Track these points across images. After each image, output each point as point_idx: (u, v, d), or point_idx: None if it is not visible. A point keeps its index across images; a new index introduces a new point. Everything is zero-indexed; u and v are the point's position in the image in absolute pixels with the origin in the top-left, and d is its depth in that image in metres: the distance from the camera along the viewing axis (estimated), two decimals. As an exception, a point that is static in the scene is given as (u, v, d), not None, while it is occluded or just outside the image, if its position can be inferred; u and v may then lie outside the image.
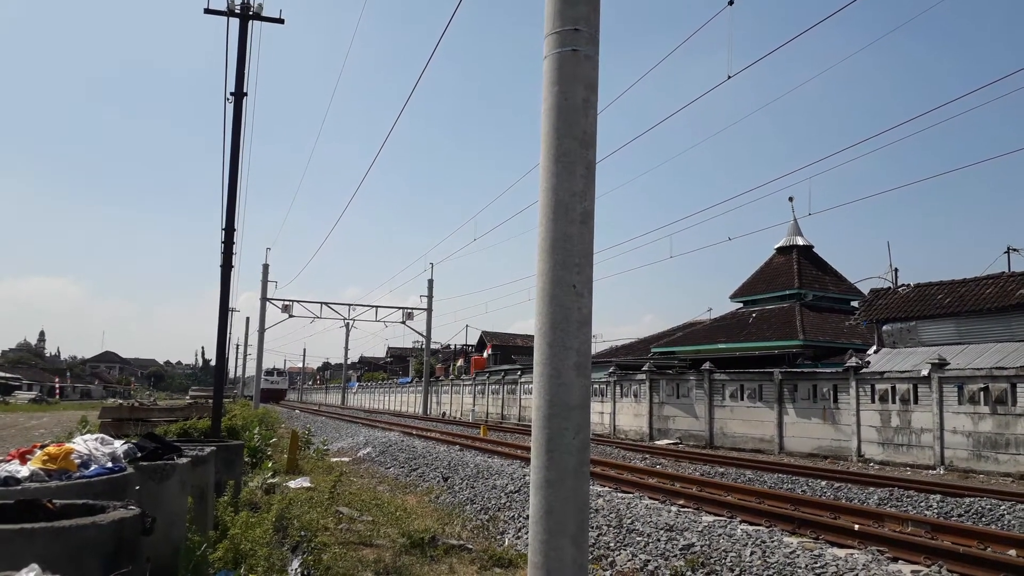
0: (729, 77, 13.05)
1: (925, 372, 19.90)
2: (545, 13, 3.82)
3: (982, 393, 18.60)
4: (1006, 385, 18.12)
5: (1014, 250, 29.76)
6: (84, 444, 4.15)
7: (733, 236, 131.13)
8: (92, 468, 3.92)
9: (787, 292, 34.36)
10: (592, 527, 8.39)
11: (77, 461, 3.90)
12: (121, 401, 39.00)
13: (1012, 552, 7.80)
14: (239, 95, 13.56)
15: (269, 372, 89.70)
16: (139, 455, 5.00)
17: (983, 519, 10.50)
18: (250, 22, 13.87)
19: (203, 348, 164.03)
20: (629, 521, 8.80)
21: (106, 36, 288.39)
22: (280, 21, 14.55)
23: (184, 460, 5.33)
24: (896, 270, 32.44)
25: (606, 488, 12.14)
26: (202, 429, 13.39)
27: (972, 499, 11.77)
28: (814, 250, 37.53)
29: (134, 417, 15.03)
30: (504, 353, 61.09)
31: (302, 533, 7.10)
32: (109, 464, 4.06)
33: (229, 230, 13.32)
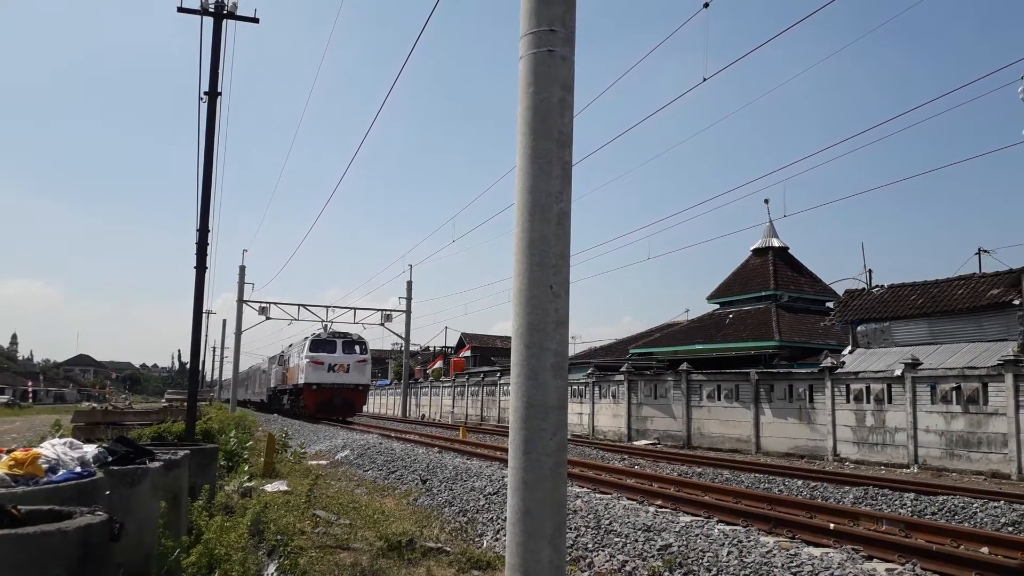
0: (705, 79, 13.13)
1: (899, 372, 20.14)
2: (521, 13, 3.81)
3: (954, 392, 18.86)
4: (977, 384, 18.38)
5: (985, 251, 30.32)
6: (52, 449, 4.06)
7: (710, 238, 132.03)
8: (60, 473, 3.84)
9: (763, 293, 34.65)
10: (570, 528, 8.38)
11: (45, 466, 3.82)
12: (95, 405, 38.43)
13: (984, 549, 7.90)
14: (213, 95, 13.43)
15: (324, 341, 37.80)
16: (110, 459, 4.91)
17: (956, 517, 10.64)
18: (224, 21, 13.75)
19: (179, 351, 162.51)
20: (607, 522, 8.80)
21: (76, 37, 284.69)
22: (255, 20, 14.44)
23: (156, 464, 5.25)
24: (870, 271, 32.90)
25: (584, 489, 12.15)
26: (177, 433, 13.22)
27: (945, 497, 11.92)
28: (790, 251, 37.89)
29: (108, 421, 14.82)
30: (483, 355, 61.03)
31: (278, 537, 7.03)
32: (78, 469, 3.98)
33: (203, 231, 13.19)
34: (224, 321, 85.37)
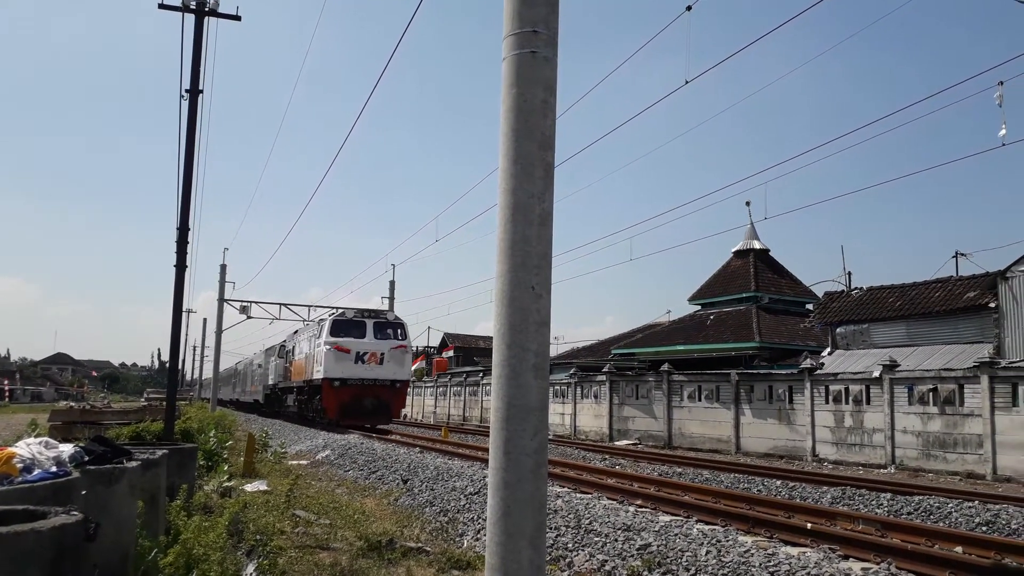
0: (687, 82, 13.17)
1: (877, 373, 20.36)
2: (504, 15, 3.82)
3: (931, 394, 19.09)
4: (954, 386, 18.62)
5: (962, 254, 30.74)
6: (27, 448, 4.02)
7: (693, 239, 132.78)
8: (35, 473, 3.80)
9: (744, 295, 34.89)
10: (550, 528, 8.40)
11: (19, 465, 3.78)
12: (72, 404, 38.00)
13: (959, 549, 8.00)
14: (194, 92, 13.34)
15: (350, 322, 28.34)
16: (87, 459, 4.87)
17: (931, 517, 10.77)
18: (206, 18, 13.65)
19: (159, 350, 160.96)
20: (587, 522, 8.83)
21: (57, 33, 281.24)
22: (237, 18, 14.35)
23: (134, 464, 5.21)
24: (850, 273, 33.23)
25: (565, 489, 12.17)
26: (155, 432, 13.11)
27: (921, 497, 12.06)
28: (770, 254, 38.19)
29: (85, 420, 14.67)
30: (466, 355, 60.97)
31: (257, 537, 6.98)
32: (53, 468, 3.94)
33: (183, 229, 13.10)
34: (205, 320, 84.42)
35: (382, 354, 27.87)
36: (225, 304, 47.80)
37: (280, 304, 48.92)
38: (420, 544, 7.82)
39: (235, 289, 49.97)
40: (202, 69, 13.46)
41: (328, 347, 27.41)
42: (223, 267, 47.79)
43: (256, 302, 48.49)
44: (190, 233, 13.34)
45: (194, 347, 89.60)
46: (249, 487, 11.24)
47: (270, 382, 41.99)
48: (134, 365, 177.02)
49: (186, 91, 13.37)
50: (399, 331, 28.97)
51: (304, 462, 17.70)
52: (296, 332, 36.57)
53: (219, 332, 48.59)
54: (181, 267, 13.07)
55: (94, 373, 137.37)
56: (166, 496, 6.56)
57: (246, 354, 62.41)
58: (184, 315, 14.71)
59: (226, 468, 13.01)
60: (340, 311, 29.62)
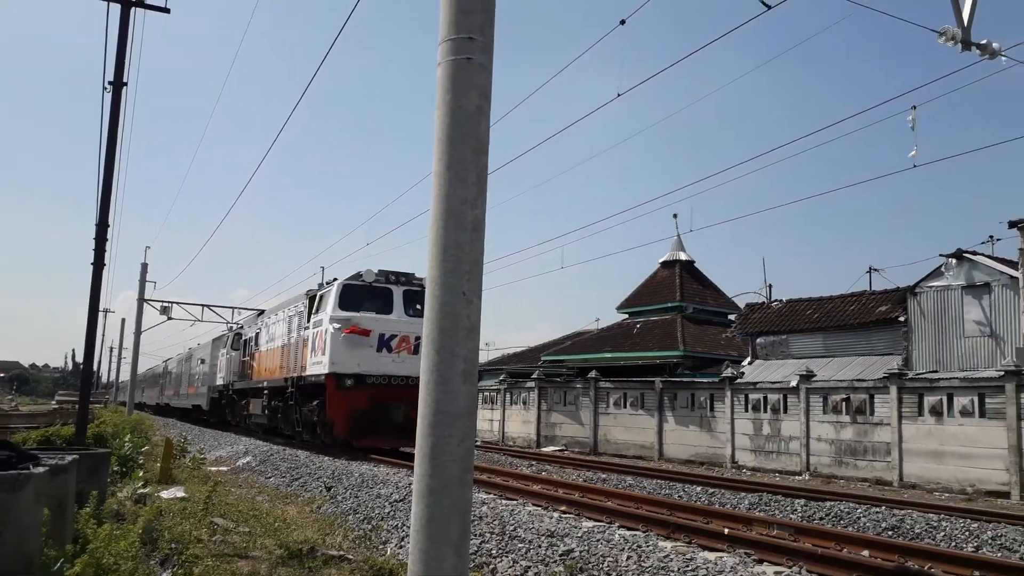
0: (619, 95, 13.41)
1: (794, 383, 21.09)
2: (440, 20, 3.83)
3: (844, 403, 19.90)
4: (865, 396, 19.45)
5: (875, 270, 32.09)
6: (-76, 452, 3.80)
7: (622, 249, 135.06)
8: (-67, 478, 3.60)
9: (670, 305, 35.64)
10: (475, 535, 8.40)
11: (-85, 471, 3.57)
12: (-27, 406, 36.02)
13: (866, 552, 8.36)
14: (118, 85, 12.88)
15: (368, 289, 18.35)
16: (-11, 464, 4.63)
17: (842, 522, 11.20)
18: (132, 9, 13.20)
19: (74, 351, 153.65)
20: (512, 528, 8.86)
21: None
22: (166, 11, 13.91)
23: (41, 469, 4.97)
24: (770, 286, 34.24)
25: (491, 495, 12.18)
26: (66, 437, 12.60)
27: (832, 503, 12.53)
28: (695, 265, 39.13)
29: (-12, 423, 13.93)
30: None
31: (172, 545, 6.76)
32: (-47, 474, 3.73)
33: (102, 226, 12.63)
34: (123, 320, 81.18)
35: (418, 339, 15.49)
36: (145, 304, 46.18)
37: (203, 305, 47.58)
38: (342, 552, 7.71)
39: (156, 289, 48.26)
40: (127, 60, 13.01)
41: (336, 327, 18.04)
42: (144, 266, 46.16)
43: (178, 303, 47.04)
44: (110, 230, 12.88)
45: (111, 348, 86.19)
46: (165, 494, 10.88)
47: (219, 382, 32.25)
48: (45, 366, 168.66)
49: (109, 83, 12.91)
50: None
51: (224, 468, 17.22)
52: (262, 314, 27.90)
53: (138, 333, 46.86)
54: (99, 265, 12.60)
55: (1, 374, 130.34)
56: (75, 504, 6.29)
57: (163, 356, 59.77)
58: (101, 315, 14.14)
59: (141, 474, 12.55)
60: (354, 273, 19.12)
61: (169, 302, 46.78)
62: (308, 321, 19.96)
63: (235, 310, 48.04)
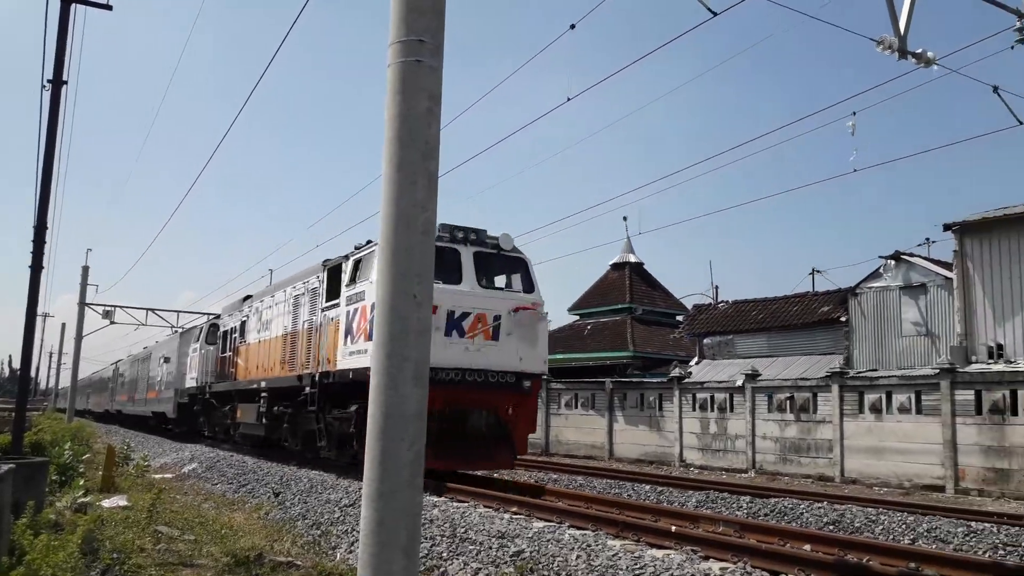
0: (568, 99, 13.49)
1: (740, 383, 21.53)
2: (390, 21, 3.82)
3: (788, 402, 20.38)
4: (808, 395, 19.96)
5: (818, 271, 32.88)
6: None
7: (574, 251, 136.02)
8: None
9: (620, 306, 36.03)
10: (426, 538, 8.37)
11: None
12: (-101, 414, 34.45)
13: (807, 547, 8.57)
14: (57, 83, 12.49)
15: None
16: (-81, 475, 4.46)
17: (785, 517, 11.47)
18: (73, 5, 12.82)
19: (10, 356, 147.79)
20: (463, 530, 8.86)
21: None
22: (108, 7, 13.55)
23: (-25, 479, 4.81)
24: (717, 287, 34.86)
25: (443, 498, 12.15)
26: (1, 445, 12.20)
27: (777, 499, 12.82)
28: (645, 267, 39.64)
29: (-85, 432, 13.36)
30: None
31: (114, 555, 6.60)
32: None
33: (40, 228, 12.24)
34: (64, 325, 78.45)
35: (497, 319, 13.26)
36: (87, 308, 44.81)
37: (147, 309, 46.36)
38: (291, 558, 7.61)
39: (98, 292, 46.61)
40: (67, 58, 12.62)
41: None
42: (85, 268, 44.72)
43: (121, 306, 45.75)
44: (48, 232, 12.50)
45: (50, 353, 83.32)
46: (107, 503, 10.59)
47: (190, 384, 26.80)
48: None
49: (48, 81, 12.51)
50: (524, 272, 14.32)
51: (169, 475, 16.82)
52: (247, 299, 22.50)
53: (79, 338, 45.38)
54: (37, 267, 12.22)
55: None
56: (11, 514, 6.09)
57: (108, 360, 57.85)
58: (39, 319, 13.70)
59: (82, 483, 12.20)
60: None
61: (112, 306, 45.46)
62: (329, 300, 15.25)
63: (179, 314, 46.88)
